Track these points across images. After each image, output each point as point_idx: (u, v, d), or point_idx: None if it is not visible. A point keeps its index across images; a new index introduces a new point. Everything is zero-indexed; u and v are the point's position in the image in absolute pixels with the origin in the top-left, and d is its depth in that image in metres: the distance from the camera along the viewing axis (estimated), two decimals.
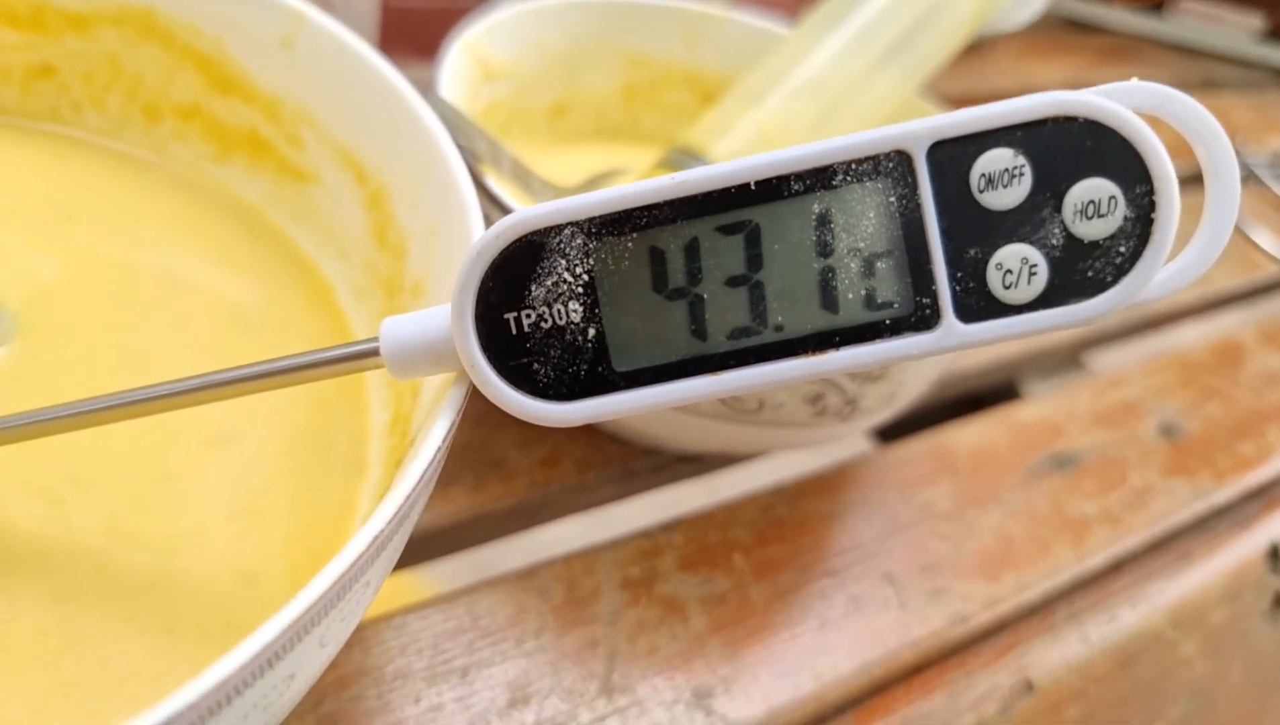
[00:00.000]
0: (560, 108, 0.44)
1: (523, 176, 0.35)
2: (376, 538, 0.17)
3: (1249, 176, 0.72)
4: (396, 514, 0.18)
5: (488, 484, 0.35)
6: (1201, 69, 0.94)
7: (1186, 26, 0.97)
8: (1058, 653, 0.36)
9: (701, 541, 0.35)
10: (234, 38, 0.32)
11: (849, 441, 0.46)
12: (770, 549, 0.36)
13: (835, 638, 0.34)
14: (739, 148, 0.37)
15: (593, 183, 0.40)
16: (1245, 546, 0.43)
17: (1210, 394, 0.51)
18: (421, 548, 0.34)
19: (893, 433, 0.44)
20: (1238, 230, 0.66)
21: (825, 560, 0.36)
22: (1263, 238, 0.66)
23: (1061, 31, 0.85)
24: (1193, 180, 0.19)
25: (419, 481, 0.18)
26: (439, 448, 0.19)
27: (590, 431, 0.38)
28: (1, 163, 0.32)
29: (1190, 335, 0.56)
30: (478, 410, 0.37)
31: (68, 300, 0.29)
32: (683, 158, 0.37)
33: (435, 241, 0.27)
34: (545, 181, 0.36)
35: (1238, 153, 0.73)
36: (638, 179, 0.39)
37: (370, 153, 0.30)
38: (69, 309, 0.29)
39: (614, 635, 0.32)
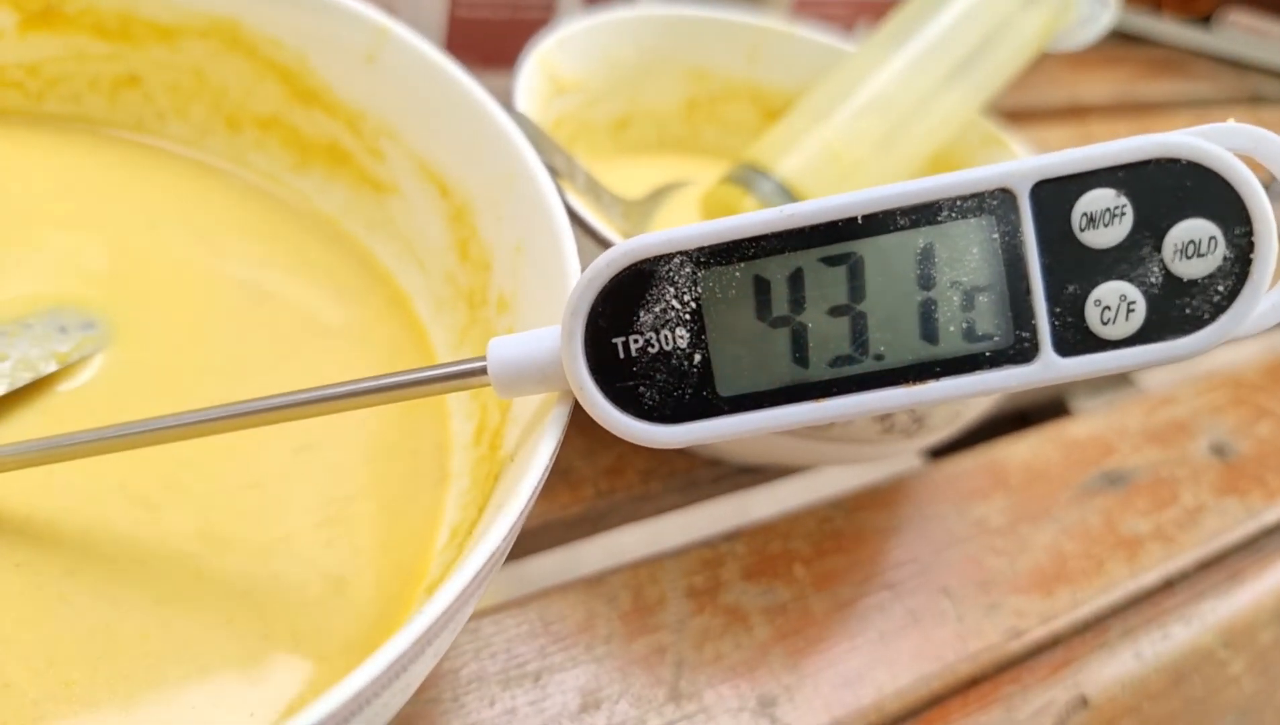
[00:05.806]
0: (624, 120, 0.45)
1: (594, 190, 0.36)
2: (493, 554, 0.18)
3: None
4: (511, 530, 0.18)
5: (556, 492, 0.36)
6: (1249, 83, 0.94)
7: (1234, 40, 0.97)
8: (1112, 669, 0.36)
9: (763, 552, 0.36)
10: (316, 51, 0.33)
11: (904, 456, 0.46)
12: (829, 560, 0.37)
13: (894, 650, 0.34)
14: (806, 164, 0.38)
15: (657, 194, 0.41)
16: None
17: (1262, 413, 0.51)
18: None
19: (944, 447, 0.45)
20: None
21: (883, 573, 0.37)
22: None
23: (1110, 43, 0.86)
24: None
25: (529, 498, 0.19)
26: (547, 464, 0.20)
27: None
28: (90, 171, 0.33)
29: (1242, 353, 0.56)
30: None
31: (156, 308, 0.30)
32: (751, 173, 0.38)
33: (522, 258, 0.28)
34: (615, 196, 0.37)
35: None
36: (705, 193, 0.40)
37: (453, 167, 0.31)
38: (158, 317, 0.29)
39: (680, 643, 0.32)
